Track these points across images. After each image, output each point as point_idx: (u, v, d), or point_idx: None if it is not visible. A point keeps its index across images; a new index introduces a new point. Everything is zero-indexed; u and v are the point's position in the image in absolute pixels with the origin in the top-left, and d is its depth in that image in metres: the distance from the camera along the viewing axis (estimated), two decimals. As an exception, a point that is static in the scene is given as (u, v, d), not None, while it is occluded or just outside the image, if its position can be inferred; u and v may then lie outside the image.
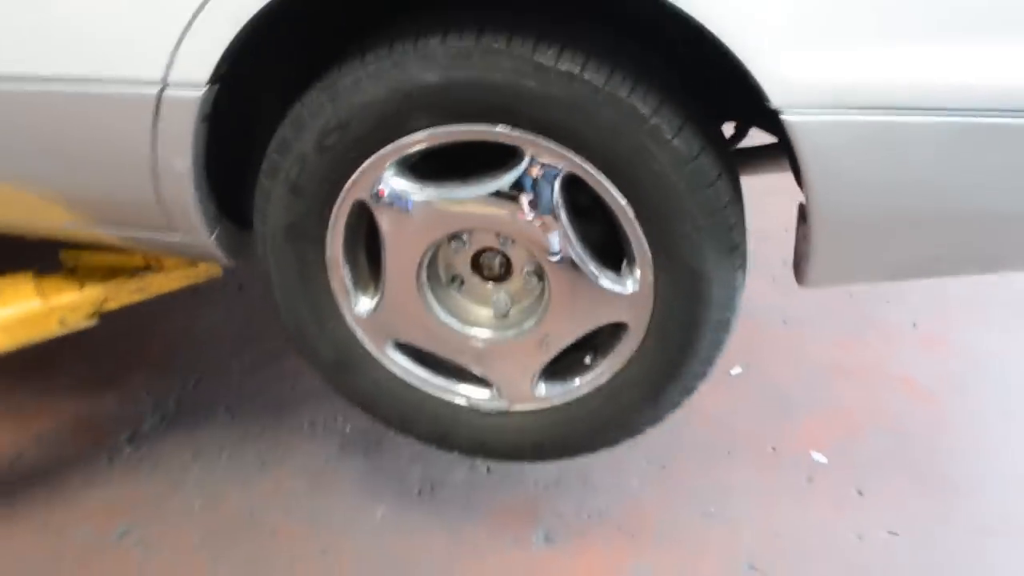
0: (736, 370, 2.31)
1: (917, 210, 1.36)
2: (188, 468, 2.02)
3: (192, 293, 2.59)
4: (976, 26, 1.23)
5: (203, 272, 2.01)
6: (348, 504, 1.93)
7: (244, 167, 1.65)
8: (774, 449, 2.09)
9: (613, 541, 1.84)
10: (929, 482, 2.00)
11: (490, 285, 1.67)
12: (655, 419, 1.69)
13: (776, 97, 1.27)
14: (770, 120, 1.34)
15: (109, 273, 1.96)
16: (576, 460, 1.93)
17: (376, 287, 1.67)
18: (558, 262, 1.53)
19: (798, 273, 1.55)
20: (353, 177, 1.52)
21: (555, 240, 1.50)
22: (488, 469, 2.01)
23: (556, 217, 1.49)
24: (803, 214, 1.49)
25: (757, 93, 1.29)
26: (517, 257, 1.61)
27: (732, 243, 1.47)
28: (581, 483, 1.97)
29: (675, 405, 1.67)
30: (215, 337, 2.48)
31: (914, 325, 2.54)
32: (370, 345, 1.72)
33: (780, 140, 1.83)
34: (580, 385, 1.68)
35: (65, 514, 1.90)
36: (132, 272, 1.96)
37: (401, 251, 1.59)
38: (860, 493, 1.97)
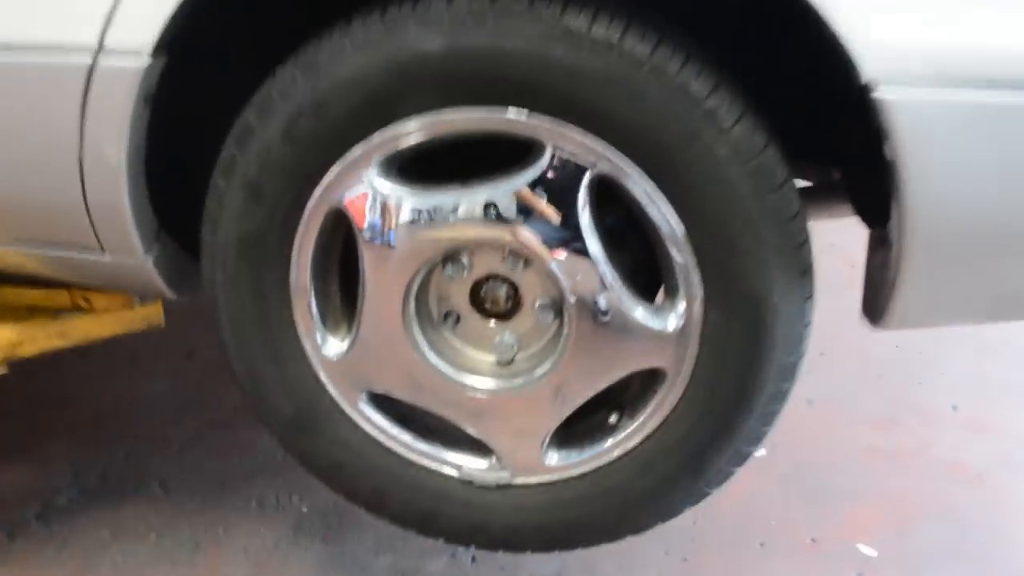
0: (760, 452, 1.99)
1: None
2: (105, 548, 1.66)
3: (132, 359, 2.26)
4: None
5: (140, 317, 1.67)
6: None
7: (195, 175, 1.34)
8: (813, 540, 1.79)
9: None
10: (994, 574, 1.73)
11: (492, 323, 1.34)
12: (697, 495, 1.35)
13: (868, 65, 1.00)
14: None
15: (27, 314, 1.63)
16: (578, 551, 1.58)
17: (350, 325, 1.35)
18: (582, 291, 1.22)
19: (873, 310, 1.25)
20: (328, 177, 1.22)
21: (580, 263, 1.20)
22: (473, 559, 1.64)
23: (581, 232, 1.19)
24: (879, 240, 1.21)
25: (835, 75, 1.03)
26: (528, 287, 1.30)
27: (803, 265, 1.18)
28: (587, 578, 1.62)
29: (723, 478, 1.33)
30: (155, 406, 2.13)
31: (954, 408, 2.26)
32: (339, 397, 1.37)
33: (839, 166, 1.58)
34: (603, 451, 1.34)
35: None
36: (55, 313, 1.62)
37: (384, 275, 1.27)
38: None
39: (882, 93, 1.00)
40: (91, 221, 1.30)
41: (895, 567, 1.71)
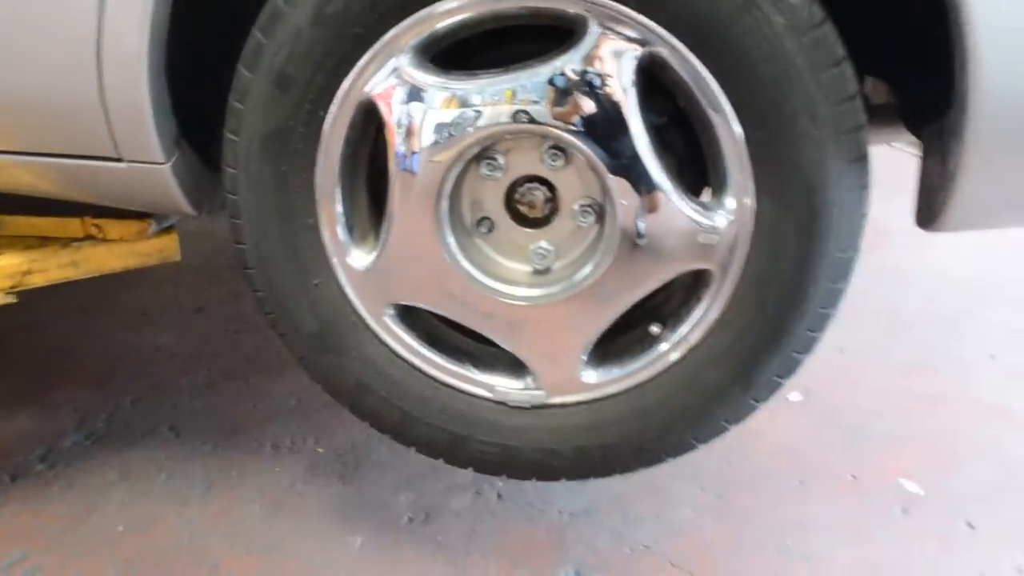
0: (795, 396, 1.93)
1: None
2: (112, 488, 1.58)
3: (143, 313, 2.19)
4: None
5: (155, 250, 1.60)
6: (315, 534, 1.49)
7: (218, 76, 1.28)
8: (854, 478, 1.71)
9: (666, 577, 1.42)
10: None
11: (528, 230, 1.28)
12: (743, 411, 1.27)
13: None
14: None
15: (38, 243, 1.56)
16: (609, 488, 1.58)
17: (377, 233, 1.28)
18: (626, 183, 1.15)
19: (928, 212, 1.19)
20: (359, 65, 1.16)
21: (626, 153, 1.14)
22: (499, 495, 1.56)
23: (627, 120, 1.13)
24: (937, 134, 1.15)
25: None
26: (567, 188, 1.23)
27: (860, 150, 1.11)
28: (619, 513, 1.56)
29: (773, 389, 1.26)
30: (165, 356, 2.05)
31: (992, 357, 2.19)
32: (365, 311, 1.31)
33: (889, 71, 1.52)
34: (644, 365, 1.27)
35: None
36: (66, 242, 1.55)
37: (416, 174, 1.20)
38: (971, 526, 1.58)
39: None
40: (108, 122, 1.23)
41: (942, 503, 1.64)
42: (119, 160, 1.28)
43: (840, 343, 2.16)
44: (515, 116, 1.15)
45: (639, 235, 1.18)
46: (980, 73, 1.00)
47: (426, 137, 1.18)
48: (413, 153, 1.19)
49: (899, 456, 1.77)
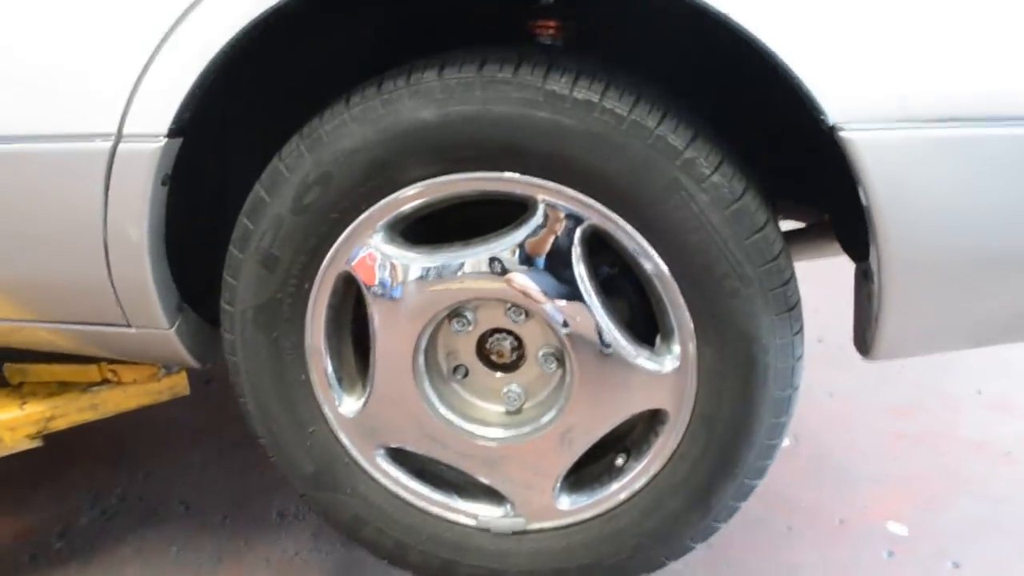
0: (785, 441, 2.02)
1: (1010, 244, 1.12)
2: (127, 564, 1.70)
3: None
4: None
5: (166, 388, 1.74)
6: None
7: (212, 249, 1.42)
8: (841, 522, 1.80)
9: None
10: None
11: (499, 375, 1.41)
12: (707, 530, 1.39)
13: (832, 111, 1.07)
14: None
15: (59, 389, 1.71)
16: None
17: (363, 383, 1.42)
18: (580, 338, 1.28)
19: (863, 344, 1.30)
20: (336, 244, 1.30)
21: (579, 313, 1.27)
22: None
23: (576, 283, 1.25)
24: (865, 274, 1.26)
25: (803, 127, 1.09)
26: (531, 338, 1.36)
27: (789, 302, 1.23)
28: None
29: (730, 512, 1.37)
30: (174, 430, 2.17)
31: (978, 392, 2.27)
32: (357, 453, 1.43)
33: (822, 205, 1.64)
34: (612, 493, 1.39)
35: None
36: (85, 387, 1.70)
37: (394, 334, 1.34)
38: (956, 566, 1.67)
39: (848, 133, 1.07)
40: (117, 298, 1.37)
41: (927, 543, 1.71)
42: (129, 326, 1.42)
43: (829, 388, 2.25)
44: (476, 284, 1.29)
45: (595, 381, 1.31)
46: (887, 237, 1.12)
47: (400, 304, 1.32)
48: (390, 318, 1.33)
49: (885, 498, 1.85)
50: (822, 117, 1.07)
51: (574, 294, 1.26)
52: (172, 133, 1.23)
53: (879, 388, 2.30)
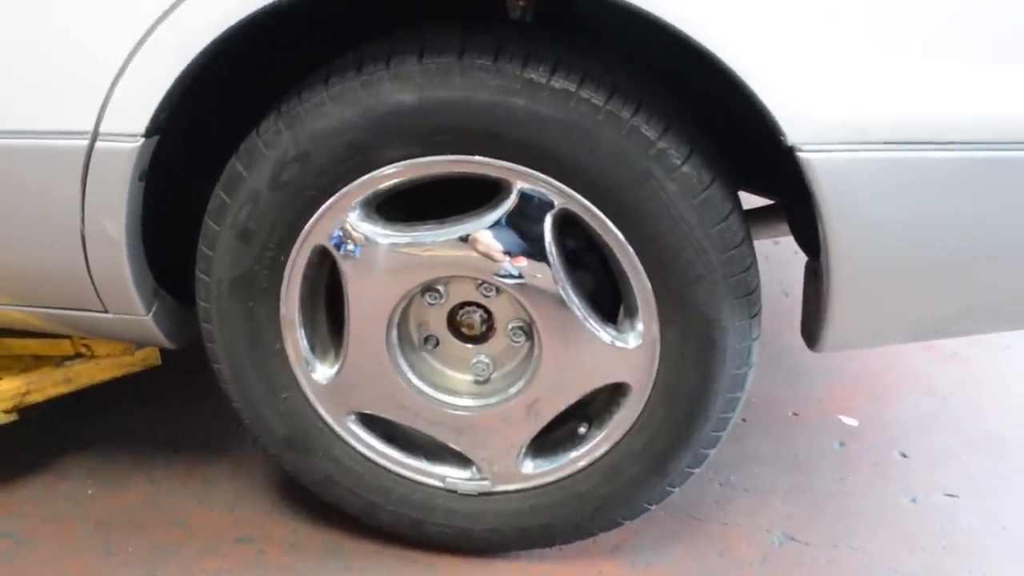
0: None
1: (946, 252, 1.22)
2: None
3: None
4: (1001, 56, 1.13)
5: (139, 360, 1.75)
6: (283, 489, 1.69)
7: (186, 234, 1.43)
8: (795, 415, 1.91)
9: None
10: (980, 441, 1.87)
11: (469, 346, 1.46)
12: (662, 494, 1.47)
13: (792, 133, 1.13)
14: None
15: (32, 363, 1.72)
16: None
17: (337, 352, 1.46)
18: (549, 312, 1.33)
19: (810, 337, 1.38)
20: (313, 219, 1.32)
21: (545, 286, 1.32)
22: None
23: (547, 262, 1.30)
24: (813, 271, 1.33)
25: (764, 135, 1.16)
26: (500, 312, 1.41)
27: (748, 287, 1.30)
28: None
29: (685, 477, 1.45)
30: None
31: None
32: (329, 418, 1.48)
33: (779, 200, 1.70)
34: (574, 459, 1.46)
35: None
36: (59, 361, 1.71)
37: (368, 306, 1.38)
38: (904, 455, 1.80)
39: (805, 153, 1.13)
40: (94, 287, 1.39)
41: (877, 434, 1.83)
42: (106, 312, 1.44)
43: (785, 287, 2.33)
44: (449, 262, 1.33)
45: (561, 355, 1.37)
46: (837, 245, 1.19)
47: (375, 279, 1.35)
48: (364, 292, 1.36)
49: (838, 393, 1.97)
50: (782, 137, 1.13)
51: (545, 274, 1.31)
52: (149, 132, 1.25)
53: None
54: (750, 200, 1.70)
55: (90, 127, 1.25)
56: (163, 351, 1.72)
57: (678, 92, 1.30)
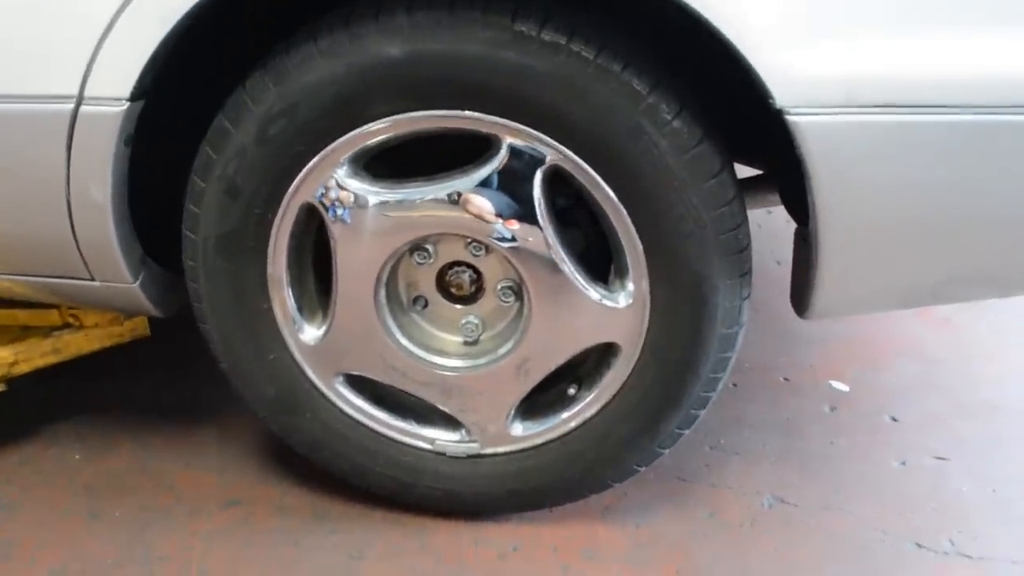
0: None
1: (936, 218, 1.21)
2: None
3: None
4: (998, 17, 1.11)
5: (128, 331, 1.74)
6: (271, 452, 1.70)
7: (173, 199, 1.41)
8: (786, 380, 1.92)
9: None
10: (971, 406, 1.88)
11: (458, 307, 1.45)
12: (652, 456, 1.47)
13: (781, 95, 1.12)
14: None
15: (20, 333, 1.71)
16: None
17: (324, 312, 1.44)
18: (539, 272, 1.32)
19: (799, 304, 1.38)
20: (300, 175, 1.30)
21: (536, 246, 1.31)
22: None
23: (536, 220, 1.29)
24: (803, 238, 1.32)
25: (753, 100, 1.15)
26: (490, 272, 1.40)
27: (739, 244, 1.29)
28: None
29: (675, 439, 1.45)
30: None
31: None
32: (317, 379, 1.47)
33: (769, 170, 1.69)
34: (564, 421, 1.45)
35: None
36: (47, 332, 1.70)
37: (356, 265, 1.37)
38: (895, 420, 1.81)
39: (794, 116, 1.12)
40: (81, 254, 1.37)
41: (868, 399, 1.84)
42: (93, 280, 1.42)
43: (778, 255, 2.34)
44: (438, 220, 1.32)
45: (551, 315, 1.36)
46: (826, 210, 1.18)
47: (364, 237, 1.34)
48: (352, 251, 1.35)
49: (829, 358, 1.98)
50: (770, 100, 1.12)
51: (535, 231, 1.30)
52: (134, 97, 1.23)
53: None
54: (741, 171, 1.70)
55: (75, 91, 1.23)
56: (151, 319, 1.71)
57: (668, 57, 1.28)
